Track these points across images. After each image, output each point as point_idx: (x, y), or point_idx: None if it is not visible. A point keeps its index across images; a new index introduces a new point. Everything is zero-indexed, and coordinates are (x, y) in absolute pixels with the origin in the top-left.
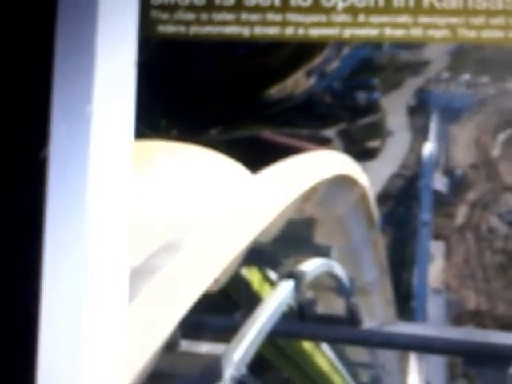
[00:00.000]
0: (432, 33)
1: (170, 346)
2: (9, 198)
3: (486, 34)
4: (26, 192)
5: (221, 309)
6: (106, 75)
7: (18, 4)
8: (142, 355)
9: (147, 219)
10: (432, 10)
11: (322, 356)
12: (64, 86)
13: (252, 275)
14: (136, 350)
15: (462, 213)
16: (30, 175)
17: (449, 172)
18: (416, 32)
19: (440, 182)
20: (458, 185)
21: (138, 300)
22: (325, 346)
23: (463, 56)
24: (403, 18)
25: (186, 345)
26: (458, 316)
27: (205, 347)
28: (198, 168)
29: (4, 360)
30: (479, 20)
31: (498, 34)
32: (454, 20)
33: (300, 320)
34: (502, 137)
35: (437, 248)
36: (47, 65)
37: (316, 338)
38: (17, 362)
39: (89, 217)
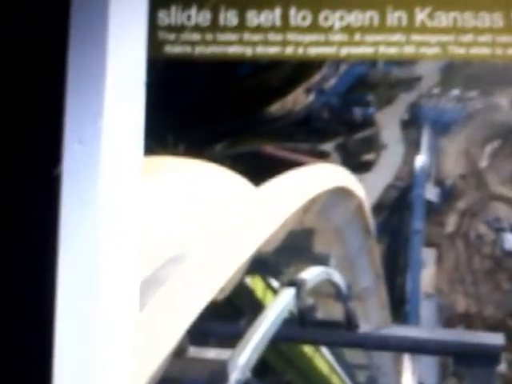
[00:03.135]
0: (424, 50)
1: (179, 352)
2: (23, 213)
3: (475, 51)
4: (40, 208)
5: (226, 316)
6: (116, 94)
7: (31, 30)
8: (152, 361)
9: (156, 233)
10: (424, 29)
11: (322, 359)
12: (76, 105)
13: (255, 284)
14: (147, 356)
15: (452, 221)
16: (43, 191)
17: (439, 182)
18: (409, 49)
19: (431, 192)
20: (449, 194)
21: (148, 309)
22: (324, 350)
23: (453, 72)
24: (396, 37)
25: (193, 351)
26: (449, 318)
27: (211, 353)
28: (203, 182)
29: (23, 360)
30: (468, 37)
31: (485, 51)
32: (444, 38)
33: (301, 325)
34: (489, 148)
35: (428, 255)
36: (60, 85)
37: (316, 342)
38: (34, 366)
39: (101, 230)
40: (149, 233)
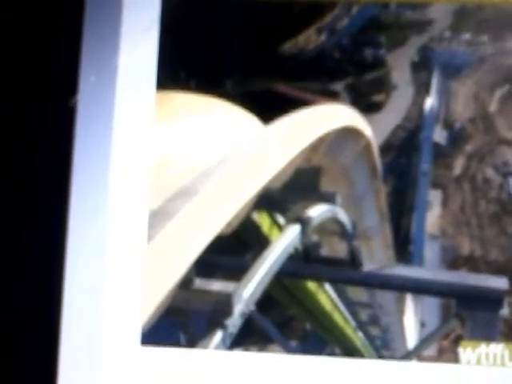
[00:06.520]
0: None
1: (185, 284)
2: (39, 141)
3: None
4: (56, 136)
5: (232, 250)
6: (131, 29)
7: None
8: (159, 292)
9: (166, 165)
10: None
11: (325, 295)
12: (92, 39)
13: (262, 219)
14: (154, 287)
15: (459, 164)
16: (59, 121)
17: (448, 125)
18: None
19: (440, 135)
20: (457, 137)
21: (156, 240)
22: (327, 287)
23: (465, 16)
24: None
25: (199, 283)
26: (453, 260)
27: (217, 285)
28: (214, 118)
29: (32, 294)
30: None
31: None
32: None
33: (305, 262)
34: (499, 93)
35: (435, 196)
36: (78, 19)
37: (319, 279)
38: (44, 296)
39: (113, 161)
40: (159, 165)
